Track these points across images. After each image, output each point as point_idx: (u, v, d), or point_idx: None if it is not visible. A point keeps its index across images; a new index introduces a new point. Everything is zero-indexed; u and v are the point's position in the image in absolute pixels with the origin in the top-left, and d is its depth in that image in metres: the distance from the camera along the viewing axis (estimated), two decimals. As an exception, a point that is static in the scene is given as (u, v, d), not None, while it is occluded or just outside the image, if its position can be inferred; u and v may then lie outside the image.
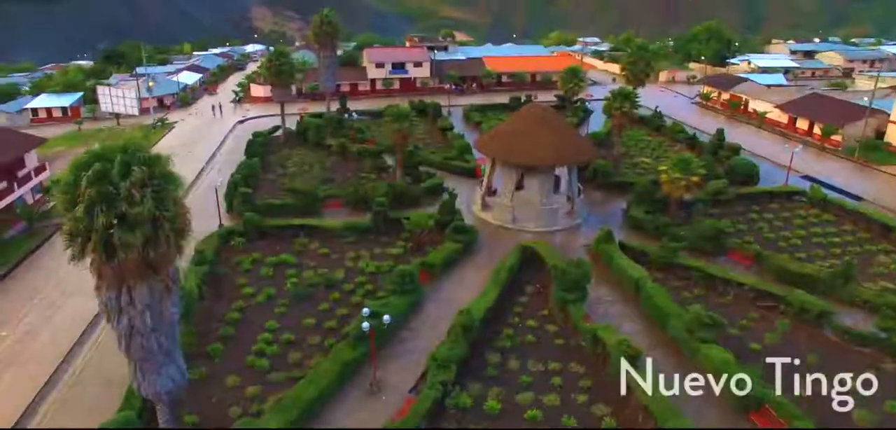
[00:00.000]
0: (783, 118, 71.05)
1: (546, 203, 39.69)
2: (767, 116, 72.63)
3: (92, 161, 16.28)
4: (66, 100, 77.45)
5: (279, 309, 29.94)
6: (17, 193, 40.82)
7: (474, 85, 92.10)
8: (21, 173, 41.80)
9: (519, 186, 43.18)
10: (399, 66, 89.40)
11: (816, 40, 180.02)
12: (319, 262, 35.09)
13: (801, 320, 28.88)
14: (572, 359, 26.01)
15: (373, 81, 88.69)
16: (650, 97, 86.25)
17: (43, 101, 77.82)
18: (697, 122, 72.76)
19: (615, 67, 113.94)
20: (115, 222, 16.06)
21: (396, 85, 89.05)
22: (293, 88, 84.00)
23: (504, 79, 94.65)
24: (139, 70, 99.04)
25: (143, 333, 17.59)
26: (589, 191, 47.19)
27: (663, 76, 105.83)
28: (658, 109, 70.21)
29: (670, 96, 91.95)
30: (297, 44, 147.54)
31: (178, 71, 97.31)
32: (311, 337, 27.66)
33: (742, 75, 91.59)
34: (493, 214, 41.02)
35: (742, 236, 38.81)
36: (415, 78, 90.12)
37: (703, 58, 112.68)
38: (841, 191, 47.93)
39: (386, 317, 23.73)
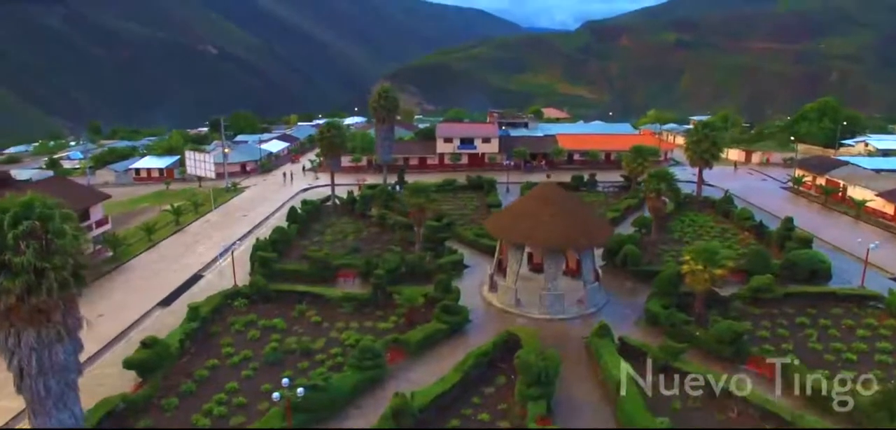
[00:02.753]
0: (888, 208, 61.98)
1: (551, 288, 37.29)
2: (867, 204, 63.74)
3: (-8, 214, 17.91)
4: (163, 162, 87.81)
5: (247, 372, 30.46)
6: (78, 242, 45.88)
7: (543, 162, 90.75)
8: (84, 225, 47.09)
9: (538, 269, 41.25)
10: (467, 142, 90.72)
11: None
12: (308, 329, 35.44)
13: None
14: (512, 463, 23.53)
15: (441, 156, 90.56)
16: (734, 180, 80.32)
17: (145, 162, 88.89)
18: (782, 208, 65.38)
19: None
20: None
21: (465, 159, 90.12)
22: (365, 159, 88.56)
23: (576, 157, 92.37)
24: (240, 138, 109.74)
25: (32, 375, 18.59)
26: (620, 279, 44.00)
27: (756, 157, 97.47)
28: (728, 193, 64.36)
29: (758, 179, 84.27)
30: (360, 119, 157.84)
31: (268, 140, 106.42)
32: (262, 402, 27.65)
33: (843, 158, 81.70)
34: (498, 296, 39.27)
35: (778, 344, 33.60)
36: (483, 153, 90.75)
37: (792, 138, 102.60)
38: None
39: (300, 389, 23.22)
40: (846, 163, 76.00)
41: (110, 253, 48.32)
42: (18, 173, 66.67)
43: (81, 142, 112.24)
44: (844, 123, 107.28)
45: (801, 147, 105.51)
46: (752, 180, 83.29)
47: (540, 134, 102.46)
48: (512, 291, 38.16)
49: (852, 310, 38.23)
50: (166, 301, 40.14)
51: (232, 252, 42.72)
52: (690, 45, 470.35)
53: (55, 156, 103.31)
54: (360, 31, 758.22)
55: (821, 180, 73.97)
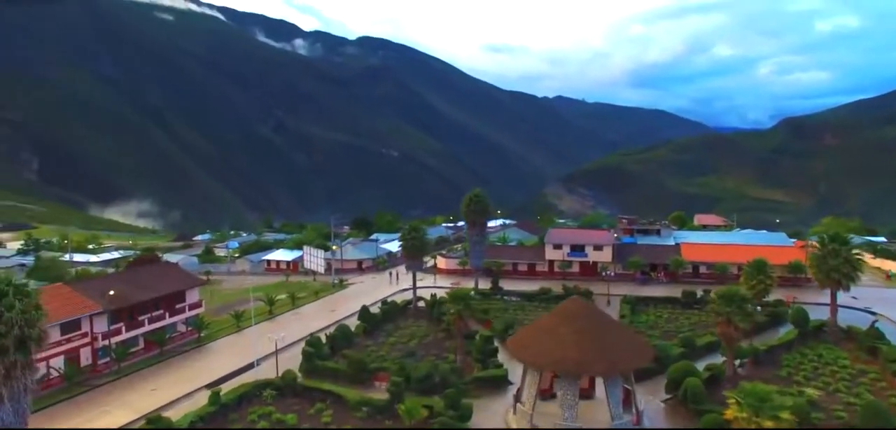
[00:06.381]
0: None
1: (567, 417, 33.12)
2: None
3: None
4: (290, 255, 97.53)
5: (234, 463, 31.50)
6: (170, 320, 52.81)
7: (661, 274, 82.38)
8: (178, 306, 54.08)
9: (585, 394, 37.27)
10: (578, 249, 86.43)
11: None
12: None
13: None
14: None
15: (551, 263, 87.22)
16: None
17: (276, 255, 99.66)
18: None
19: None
20: None
21: (575, 268, 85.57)
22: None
23: (702, 269, 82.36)
24: (375, 236, 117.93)
25: (-29, 432, 21.75)
26: (682, 416, 37.53)
27: (952, 279, 77.30)
28: (876, 323, 51.61)
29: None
30: (505, 221, 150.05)
31: (391, 239, 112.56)
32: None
33: None
34: (516, 419, 35.87)
35: None
36: (594, 262, 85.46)
37: None
38: None
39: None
40: None
41: (199, 334, 54.47)
42: (169, 257, 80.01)
43: (243, 234, 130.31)
44: None
45: None
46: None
47: (671, 243, 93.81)
48: (527, 416, 34.67)
49: None
50: (213, 384, 43.62)
51: (276, 346, 45.25)
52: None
53: (215, 244, 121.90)
54: (541, 135, 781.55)
55: None
